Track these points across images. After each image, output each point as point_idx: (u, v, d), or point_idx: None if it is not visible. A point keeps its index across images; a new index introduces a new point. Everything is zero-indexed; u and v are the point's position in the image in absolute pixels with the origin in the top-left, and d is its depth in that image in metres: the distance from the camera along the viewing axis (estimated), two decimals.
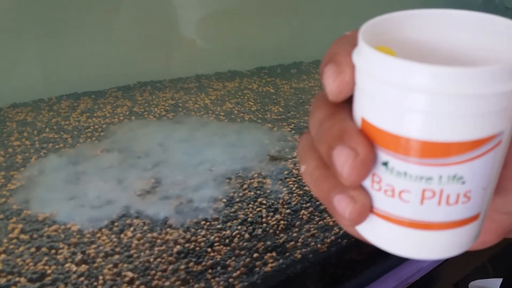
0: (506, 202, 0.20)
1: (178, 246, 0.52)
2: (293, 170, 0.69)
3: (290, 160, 0.72)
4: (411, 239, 0.18)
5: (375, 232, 0.19)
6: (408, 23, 0.19)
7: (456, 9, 0.19)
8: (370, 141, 0.17)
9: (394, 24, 0.19)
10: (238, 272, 0.49)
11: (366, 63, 0.17)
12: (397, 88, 0.16)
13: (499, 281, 0.91)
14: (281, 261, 0.51)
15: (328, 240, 0.54)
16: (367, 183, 0.18)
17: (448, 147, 0.16)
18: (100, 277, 0.48)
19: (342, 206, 0.18)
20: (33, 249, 0.52)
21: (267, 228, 0.56)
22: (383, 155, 0.17)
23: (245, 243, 0.53)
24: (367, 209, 0.18)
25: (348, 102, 0.19)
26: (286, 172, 0.68)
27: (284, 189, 0.64)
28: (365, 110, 0.17)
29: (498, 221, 0.21)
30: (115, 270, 0.49)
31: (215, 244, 0.53)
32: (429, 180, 0.17)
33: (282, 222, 0.57)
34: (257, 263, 0.50)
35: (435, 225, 0.18)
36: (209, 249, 0.52)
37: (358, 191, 0.18)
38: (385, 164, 0.17)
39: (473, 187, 0.17)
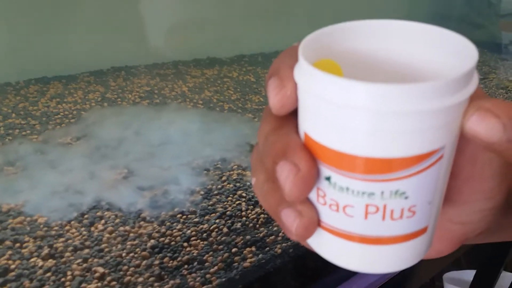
0: (458, 213, 0.20)
1: (152, 241, 0.50)
2: None
3: None
4: (359, 253, 0.18)
5: (324, 246, 0.19)
6: (355, 34, 0.19)
7: (405, 19, 0.19)
8: (312, 157, 0.17)
9: (340, 36, 0.19)
10: (216, 267, 0.47)
11: (305, 80, 0.16)
12: (335, 106, 0.15)
13: (472, 272, 0.92)
14: (260, 256, 0.49)
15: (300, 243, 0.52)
16: (313, 197, 0.18)
17: (389, 163, 0.16)
18: (69, 273, 0.45)
19: (289, 221, 0.18)
20: None
21: (247, 222, 0.54)
22: (325, 170, 0.17)
23: (223, 238, 0.51)
24: (314, 223, 0.18)
25: (294, 115, 0.18)
26: None
27: None
28: (307, 125, 0.17)
29: (453, 230, 0.21)
30: (84, 265, 0.46)
31: (192, 238, 0.51)
32: (371, 196, 0.17)
33: (262, 215, 0.55)
34: (236, 258, 0.48)
35: (381, 240, 0.18)
36: (185, 244, 0.50)
37: (305, 206, 0.18)
38: (328, 179, 0.17)
39: (417, 201, 0.17)
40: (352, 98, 0.15)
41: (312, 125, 0.17)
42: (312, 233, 0.18)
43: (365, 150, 0.16)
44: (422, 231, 0.18)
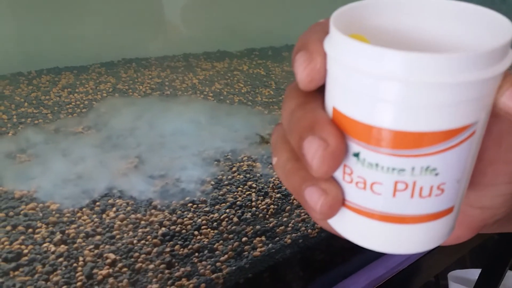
0: (480, 197, 0.20)
1: (163, 228, 0.50)
2: None
3: None
4: (384, 233, 0.18)
5: (348, 226, 0.19)
6: (385, 10, 0.19)
7: None
8: (341, 132, 0.17)
9: (368, 11, 0.18)
10: (226, 256, 0.47)
11: (336, 50, 0.16)
12: (368, 76, 0.15)
13: (477, 271, 0.92)
14: (270, 245, 0.49)
15: (319, 225, 0.52)
16: (338, 175, 0.18)
17: (421, 138, 0.15)
18: (80, 258, 0.46)
19: (313, 199, 0.18)
20: (8, 228, 0.49)
21: (257, 212, 0.54)
22: (354, 146, 0.17)
23: (233, 227, 0.51)
24: (339, 202, 0.18)
25: (320, 92, 0.18)
26: None
27: (275, 173, 0.62)
28: (336, 99, 0.17)
29: (472, 216, 0.21)
30: (96, 251, 0.47)
31: (202, 227, 0.51)
32: (401, 172, 0.16)
33: (272, 206, 0.55)
34: (246, 247, 0.49)
35: (408, 219, 0.17)
36: (196, 232, 0.50)
37: (329, 184, 0.18)
38: (356, 155, 0.17)
39: (447, 179, 0.16)
40: (385, 66, 0.14)
41: (342, 98, 0.16)
42: (336, 211, 0.18)
43: (397, 124, 0.15)
44: (448, 211, 0.18)
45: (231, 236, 0.50)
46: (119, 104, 0.80)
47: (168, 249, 0.47)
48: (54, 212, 0.52)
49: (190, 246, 0.48)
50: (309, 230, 0.52)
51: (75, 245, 0.48)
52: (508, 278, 0.89)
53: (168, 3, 1.05)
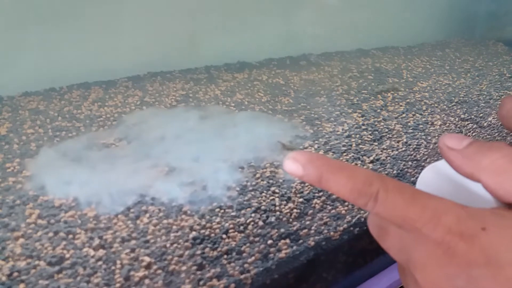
0: None
1: (193, 232, 0.53)
2: None
3: None
4: None
5: None
6: None
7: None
8: None
9: None
10: (253, 258, 0.50)
11: None
12: None
13: None
14: (294, 247, 0.52)
15: (341, 228, 0.55)
16: None
17: None
18: (118, 262, 0.49)
19: None
20: (51, 234, 0.53)
21: (281, 216, 0.57)
22: None
23: (259, 230, 0.54)
24: None
25: None
26: None
27: (296, 179, 0.65)
28: None
29: None
30: (132, 255, 0.50)
31: (230, 230, 0.54)
32: None
33: (295, 210, 0.58)
34: (272, 249, 0.51)
35: None
36: (224, 236, 0.53)
37: None
38: None
39: None
40: None
41: None
42: None
43: None
44: None
45: (257, 239, 0.53)
46: (147, 116, 0.84)
47: (199, 252, 0.51)
48: (91, 219, 0.56)
49: (219, 249, 0.51)
50: (332, 233, 0.54)
51: (113, 249, 0.51)
52: None
53: (188, 17, 1.09)
